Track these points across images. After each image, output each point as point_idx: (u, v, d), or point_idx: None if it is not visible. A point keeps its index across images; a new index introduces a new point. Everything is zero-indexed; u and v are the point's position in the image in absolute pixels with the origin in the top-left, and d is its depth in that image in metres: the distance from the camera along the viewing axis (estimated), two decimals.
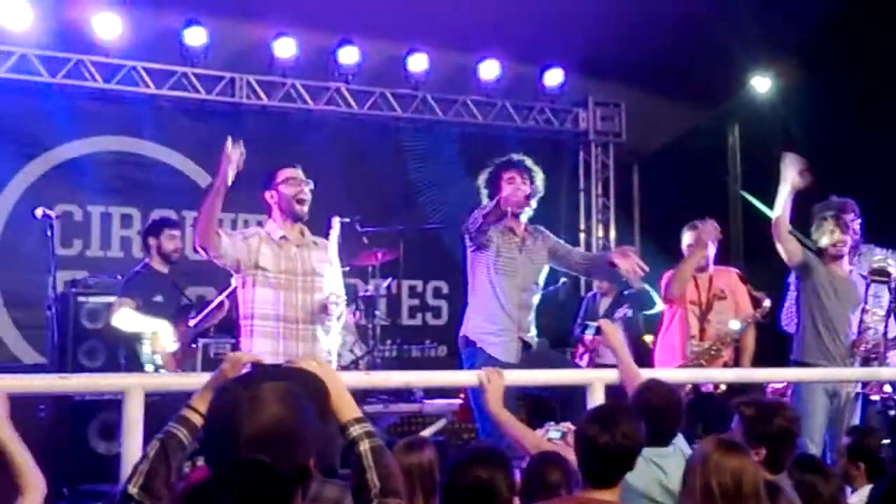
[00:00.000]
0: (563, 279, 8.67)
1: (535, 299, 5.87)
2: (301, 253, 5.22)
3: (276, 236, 5.19)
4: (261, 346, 5.06)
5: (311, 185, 5.28)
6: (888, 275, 6.32)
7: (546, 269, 5.96)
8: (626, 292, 8.48)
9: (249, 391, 2.21)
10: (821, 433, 6.07)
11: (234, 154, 4.80)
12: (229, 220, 9.47)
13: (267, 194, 5.28)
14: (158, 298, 6.60)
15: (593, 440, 3.37)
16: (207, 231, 4.88)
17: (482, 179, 5.89)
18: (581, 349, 8.52)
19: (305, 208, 5.24)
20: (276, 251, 5.14)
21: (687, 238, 6.73)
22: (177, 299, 6.79)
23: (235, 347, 5.69)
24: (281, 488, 2.18)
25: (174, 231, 6.86)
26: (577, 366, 7.32)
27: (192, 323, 6.64)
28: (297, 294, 5.13)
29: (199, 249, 5.01)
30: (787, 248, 6.29)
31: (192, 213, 9.53)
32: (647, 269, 5.62)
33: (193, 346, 6.85)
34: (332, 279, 5.28)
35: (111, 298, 7.56)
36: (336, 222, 5.48)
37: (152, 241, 6.80)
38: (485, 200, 5.79)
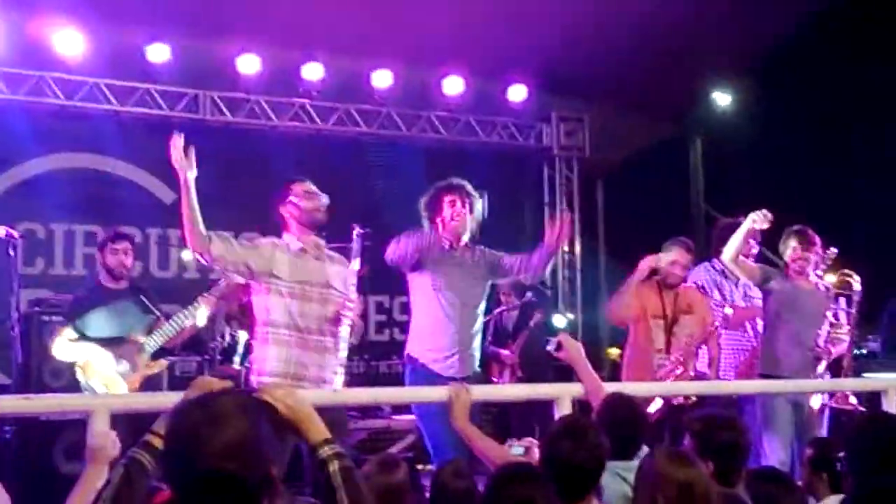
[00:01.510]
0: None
1: (478, 320, 5.85)
2: (319, 265, 5.25)
3: (295, 247, 5.21)
4: (273, 353, 5.09)
5: (327, 199, 5.36)
6: (851, 288, 6.44)
7: (487, 286, 5.94)
8: (531, 299, 8.64)
9: (206, 407, 2.25)
10: (787, 443, 6.15)
11: (178, 145, 4.92)
12: (176, 236, 9.44)
13: (282, 209, 5.30)
14: (101, 315, 6.49)
15: (562, 456, 3.39)
16: (193, 233, 4.92)
17: (423, 201, 5.87)
18: (498, 367, 8.54)
19: (323, 217, 5.33)
20: (294, 261, 5.16)
21: (664, 256, 6.73)
22: (134, 313, 6.64)
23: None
24: (248, 497, 2.21)
25: (117, 245, 6.63)
26: None
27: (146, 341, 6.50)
28: (311, 304, 5.15)
29: (196, 255, 5.04)
30: (744, 269, 6.51)
31: (156, 231, 9.55)
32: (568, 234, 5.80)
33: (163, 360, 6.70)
34: (352, 288, 5.35)
35: None
36: (357, 232, 5.53)
37: (98, 256, 6.69)
38: (425, 223, 5.81)
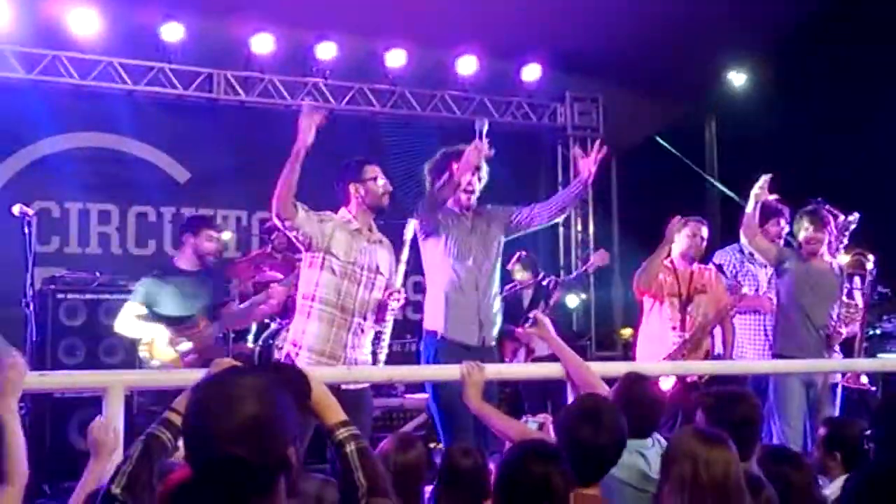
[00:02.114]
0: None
1: (494, 285, 5.80)
2: (370, 248, 5.28)
3: (352, 227, 5.24)
4: (314, 328, 5.11)
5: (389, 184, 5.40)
6: (864, 267, 6.44)
7: (500, 247, 5.87)
8: (552, 278, 8.63)
9: (223, 387, 2.26)
10: (800, 421, 6.17)
11: (313, 114, 5.01)
12: (191, 215, 9.46)
13: (351, 187, 5.33)
14: (172, 296, 6.51)
15: (582, 440, 3.41)
16: (285, 200, 4.95)
17: (429, 166, 5.79)
18: (512, 345, 8.51)
19: (387, 203, 5.38)
20: (350, 241, 5.19)
21: (678, 235, 6.76)
22: (204, 297, 6.61)
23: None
24: (261, 480, 2.19)
25: (213, 231, 6.69)
26: None
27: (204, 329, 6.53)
28: (358, 287, 5.18)
29: (276, 220, 5.09)
30: (760, 247, 6.54)
31: (170, 210, 9.57)
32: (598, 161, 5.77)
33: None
34: (400, 277, 5.43)
35: (90, 295, 7.56)
36: (411, 224, 5.56)
37: (188, 239, 6.63)
38: (428, 188, 5.74)
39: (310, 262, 5.22)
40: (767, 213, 6.76)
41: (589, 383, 4.41)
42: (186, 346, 6.32)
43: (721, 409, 3.88)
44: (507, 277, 7.63)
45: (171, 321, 6.38)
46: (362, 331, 5.23)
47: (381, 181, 5.34)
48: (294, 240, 5.23)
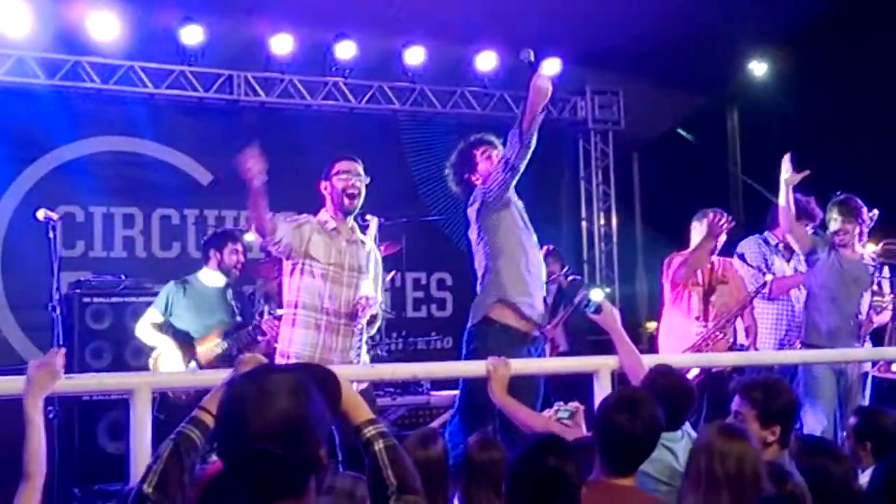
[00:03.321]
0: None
1: None
2: (350, 248, 5.23)
3: (329, 227, 5.20)
4: (300, 336, 5.09)
5: (367, 180, 5.27)
6: (895, 256, 6.41)
7: None
8: (576, 277, 8.60)
9: (257, 384, 2.25)
10: (831, 410, 6.16)
11: (249, 158, 4.81)
12: (214, 217, 9.54)
13: (322, 185, 5.29)
14: (190, 310, 6.58)
15: (621, 428, 3.40)
16: (260, 223, 4.95)
17: (452, 162, 5.63)
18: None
19: (356, 202, 5.23)
20: (328, 242, 5.15)
21: (698, 225, 6.77)
22: (220, 314, 6.71)
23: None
24: (293, 478, 2.21)
25: (237, 245, 6.80)
26: None
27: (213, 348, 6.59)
28: (342, 288, 5.14)
29: (257, 235, 5.09)
30: (796, 235, 6.50)
31: (194, 212, 9.61)
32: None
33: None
34: (368, 282, 5.27)
35: (115, 299, 7.62)
36: (374, 222, 5.46)
37: (213, 253, 6.75)
38: (453, 187, 5.63)
39: (291, 269, 5.18)
40: (799, 214, 6.74)
41: (639, 378, 4.40)
42: (193, 365, 6.40)
43: (770, 400, 3.89)
44: None
45: (182, 337, 6.46)
46: (352, 332, 5.17)
47: (345, 178, 5.20)
48: (275, 253, 5.21)
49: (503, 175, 5.20)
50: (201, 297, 6.66)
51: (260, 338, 6.51)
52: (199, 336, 6.57)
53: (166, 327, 6.53)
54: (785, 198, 6.39)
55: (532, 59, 5.12)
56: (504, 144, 5.32)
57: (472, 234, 5.46)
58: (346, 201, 5.21)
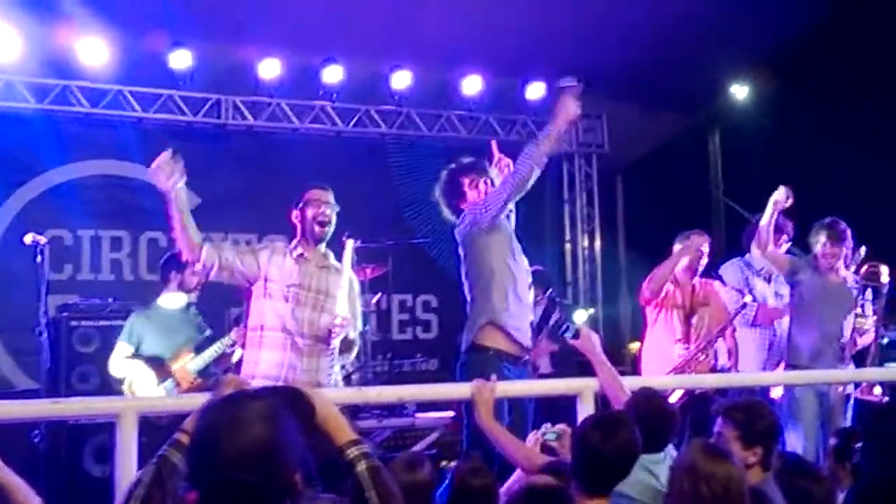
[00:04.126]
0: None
1: None
2: (319, 273, 5.25)
3: (295, 253, 5.24)
4: (268, 357, 5.10)
5: (337, 209, 5.29)
6: (879, 279, 6.45)
7: None
8: (553, 296, 8.61)
9: (229, 412, 2.26)
10: (814, 432, 6.19)
11: (161, 162, 4.82)
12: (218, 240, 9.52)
13: (293, 213, 5.32)
14: (155, 334, 6.62)
15: (594, 448, 3.44)
16: (185, 245, 4.96)
17: (441, 189, 5.63)
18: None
19: (326, 230, 5.25)
20: (290, 265, 5.18)
21: (680, 248, 6.84)
22: (187, 333, 6.74)
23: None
24: None
25: (197, 266, 6.83)
26: None
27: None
28: (305, 309, 5.15)
29: (188, 263, 5.12)
30: (771, 257, 6.54)
31: None
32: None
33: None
34: (343, 303, 5.25)
35: (103, 322, 7.64)
36: (349, 244, 5.47)
37: (174, 275, 6.77)
38: (445, 211, 5.63)
39: (255, 294, 5.21)
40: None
41: (621, 401, 4.43)
42: (170, 384, 6.43)
43: (753, 422, 3.94)
44: None
45: (152, 361, 6.49)
46: (316, 352, 5.16)
47: (316, 207, 5.23)
48: (227, 281, 5.19)
49: (503, 195, 5.25)
50: (165, 320, 6.70)
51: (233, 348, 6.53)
52: (171, 356, 6.60)
53: (136, 357, 6.57)
54: (768, 218, 6.44)
55: (571, 84, 5.21)
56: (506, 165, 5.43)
57: (462, 256, 5.49)
58: (317, 229, 5.24)
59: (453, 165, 5.68)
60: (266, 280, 5.13)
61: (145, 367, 6.49)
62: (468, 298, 5.45)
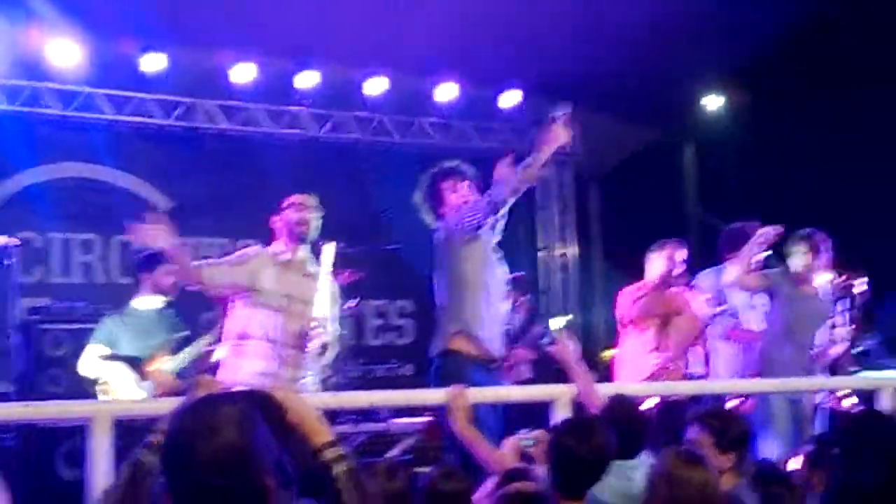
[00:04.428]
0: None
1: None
2: (303, 281, 5.29)
3: (282, 258, 5.24)
4: (249, 366, 5.14)
5: (321, 213, 5.38)
6: (851, 290, 6.49)
7: None
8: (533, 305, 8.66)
9: (201, 417, 2.24)
10: (786, 440, 6.21)
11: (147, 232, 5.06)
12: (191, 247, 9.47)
13: (274, 220, 5.38)
14: (131, 335, 6.55)
15: (568, 451, 3.46)
16: (192, 281, 5.16)
17: (421, 195, 5.65)
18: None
19: (309, 232, 5.35)
20: (278, 274, 5.21)
21: (655, 256, 6.83)
22: (163, 334, 6.67)
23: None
24: None
25: (170, 267, 6.79)
26: None
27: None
28: (291, 318, 5.19)
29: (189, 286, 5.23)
30: (750, 285, 6.58)
31: None
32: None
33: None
34: (319, 306, 5.29)
35: (74, 325, 7.56)
36: (328, 248, 5.48)
37: (146, 277, 6.68)
38: (426, 216, 5.64)
39: (239, 303, 5.27)
40: (744, 238, 6.81)
41: (596, 408, 4.45)
42: (147, 385, 6.38)
43: (726, 428, 3.97)
44: None
45: (130, 362, 6.44)
46: (297, 362, 5.23)
47: (299, 211, 5.35)
48: (222, 295, 5.27)
49: (482, 214, 5.26)
50: (141, 322, 6.62)
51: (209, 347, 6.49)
52: (147, 357, 6.54)
53: (113, 358, 6.50)
54: (748, 258, 6.43)
55: (563, 114, 5.21)
56: (488, 179, 5.42)
57: (438, 261, 5.49)
58: (300, 229, 5.34)
59: (434, 169, 5.69)
60: (254, 290, 5.14)
61: (125, 368, 6.41)
62: (438, 303, 5.47)
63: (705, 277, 7.17)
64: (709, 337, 6.93)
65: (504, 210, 5.28)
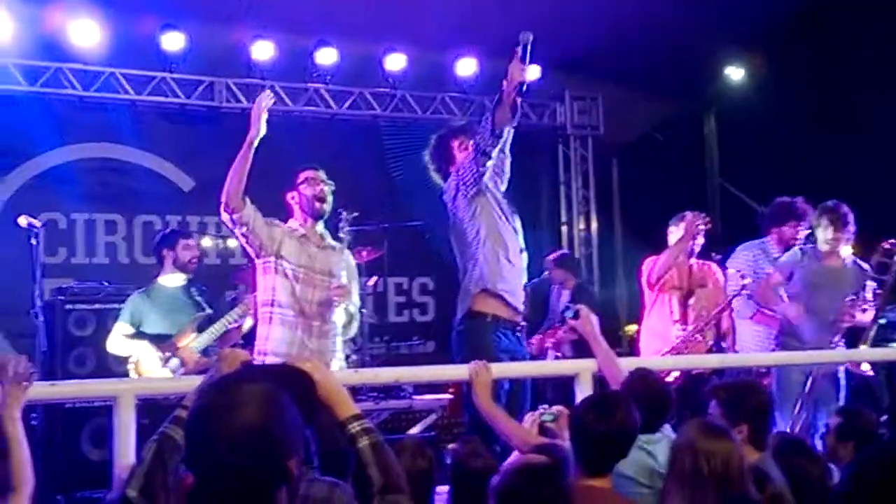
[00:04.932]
0: (545, 272, 8.74)
1: None
2: (320, 253, 5.32)
3: (298, 234, 5.28)
4: (278, 333, 5.17)
5: (333, 187, 5.40)
6: (893, 255, 6.39)
7: None
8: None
9: (227, 395, 2.25)
10: (793, 409, 6.18)
11: (264, 101, 5.12)
12: (196, 223, 9.56)
13: (288, 195, 5.42)
14: (157, 313, 6.59)
15: (591, 428, 3.45)
16: (236, 190, 5.05)
17: (430, 153, 5.63)
18: (548, 342, 8.40)
19: (325, 206, 5.37)
20: (298, 246, 5.25)
21: (675, 229, 6.84)
22: (188, 311, 6.68)
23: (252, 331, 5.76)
24: (261, 490, 2.21)
25: (189, 241, 6.82)
26: None
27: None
28: (313, 290, 5.22)
29: (224, 214, 5.13)
30: (766, 298, 6.65)
31: (176, 218, 9.60)
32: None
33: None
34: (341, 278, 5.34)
35: (98, 305, 7.61)
36: (345, 217, 5.54)
37: (167, 253, 6.73)
38: (434, 176, 5.62)
39: (263, 268, 5.28)
40: (787, 214, 6.79)
41: (618, 382, 4.45)
42: (175, 363, 6.41)
43: (735, 401, 3.95)
44: None
45: (157, 339, 6.48)
46: (323, 333, 5.24)
47: (315, 185, 5.37)
48: (245, 243, 5.27)
49: (474, 163, 5.22)
50: (167, 300, 6.66)
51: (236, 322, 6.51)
52: (174, 335, 6.58)
53: (139, 336, 6.54)
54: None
55: (528, 41, 5.15)
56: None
57: (451, 223, 5.48)
58: (317, 205, 5.36)
59: (443, 129, 5.71)
60: (278, 257, 5.17)
61: (150, 347, 6.46)
62: (460, 268, 5.46)
63: (742, 251, 7.10)
64: (736, 315, 6.90)
65: (495, 153, 5.19)
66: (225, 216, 5.16)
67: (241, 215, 5.08)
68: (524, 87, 5.17)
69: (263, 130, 5.13)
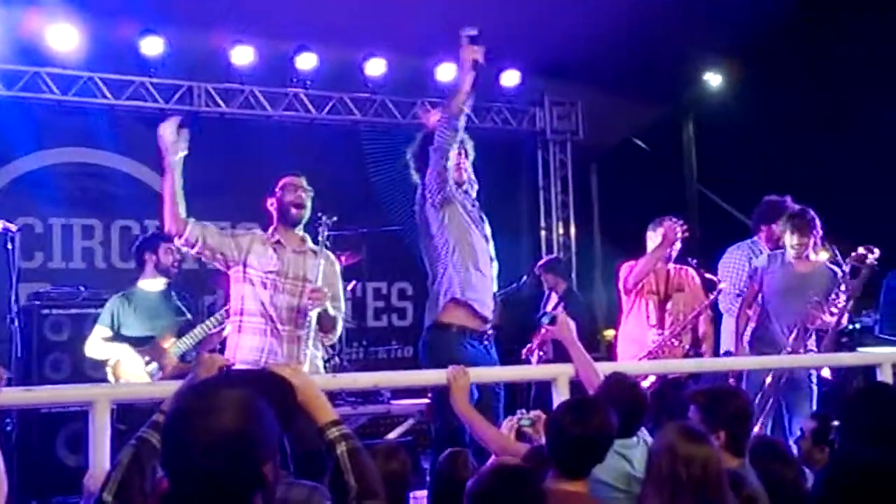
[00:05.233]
0: (524, 277, 8.75)
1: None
2: (297, 258, 5.28)
3: (273, 239, 5.26)
4: (246, 342, 5.15)
5: (312, 193, 5.37)
6: (864, 260, 6.42)
7: None
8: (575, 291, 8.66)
9: (204, 399, 2.26)
10: (770, 416, 6.22)
11: (168, 128, 5.04)
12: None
13: (268, 201, 5.39)
14: (136, 316, 6.55)
15: (568, 431, 3.45)
16: (172, 214, 5.03)
17: (413, 153, 5.55)
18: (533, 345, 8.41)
19: (302, 213, 5.34)
20: (269, 252, 5.22)
21: (653, 234, 6.86)
22: (168, 315, 6.67)
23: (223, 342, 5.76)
24: (234, 495, 2.21)
25: (171, 245, 6.78)
26: None
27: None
28: (284, 296, 5.18)
29: (175, 240, 5.14)
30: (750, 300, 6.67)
31: (154, 222, 9.50)
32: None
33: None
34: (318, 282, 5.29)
35: (75, 310, 7.58)
36: (324, 222, 5.52)
37: (149, 256, 6.71)
38: (414, 175, 5.55)
39: (234, 278, 5.26)
40: (776, 212, 6.83)
41: (595, 386, 4.45)
42: (153, 367, 6.38)
43: (714, 406, 3.95)
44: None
45: (136, 342, 6.44)
46: (297, 339, 5.19)
47: (292, 192, 5.33)
48: (206, 259, 5.28)
49: (436, 166, 5.21)
50: (147, 304, 6.63)
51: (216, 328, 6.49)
52: (156, 339, 6.55)
53: (118, 340, 6.51)
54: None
55: (474, 34, 5.19)
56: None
57: (420, 233, 5.46)
58: (293, 211, 5.32)
59: (425, 131, 5.61)
60: (246, 265, 5.16)
61: (130, 350, 6.42)
62: (430, 275, 5.44)
63: (735, 251, 7.14)
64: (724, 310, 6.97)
65: (455, 147, 5.20)
66: (177, 242, 5.18)
67: (187, 237, 5.08)
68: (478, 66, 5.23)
69: (182, 152, 5.07)
